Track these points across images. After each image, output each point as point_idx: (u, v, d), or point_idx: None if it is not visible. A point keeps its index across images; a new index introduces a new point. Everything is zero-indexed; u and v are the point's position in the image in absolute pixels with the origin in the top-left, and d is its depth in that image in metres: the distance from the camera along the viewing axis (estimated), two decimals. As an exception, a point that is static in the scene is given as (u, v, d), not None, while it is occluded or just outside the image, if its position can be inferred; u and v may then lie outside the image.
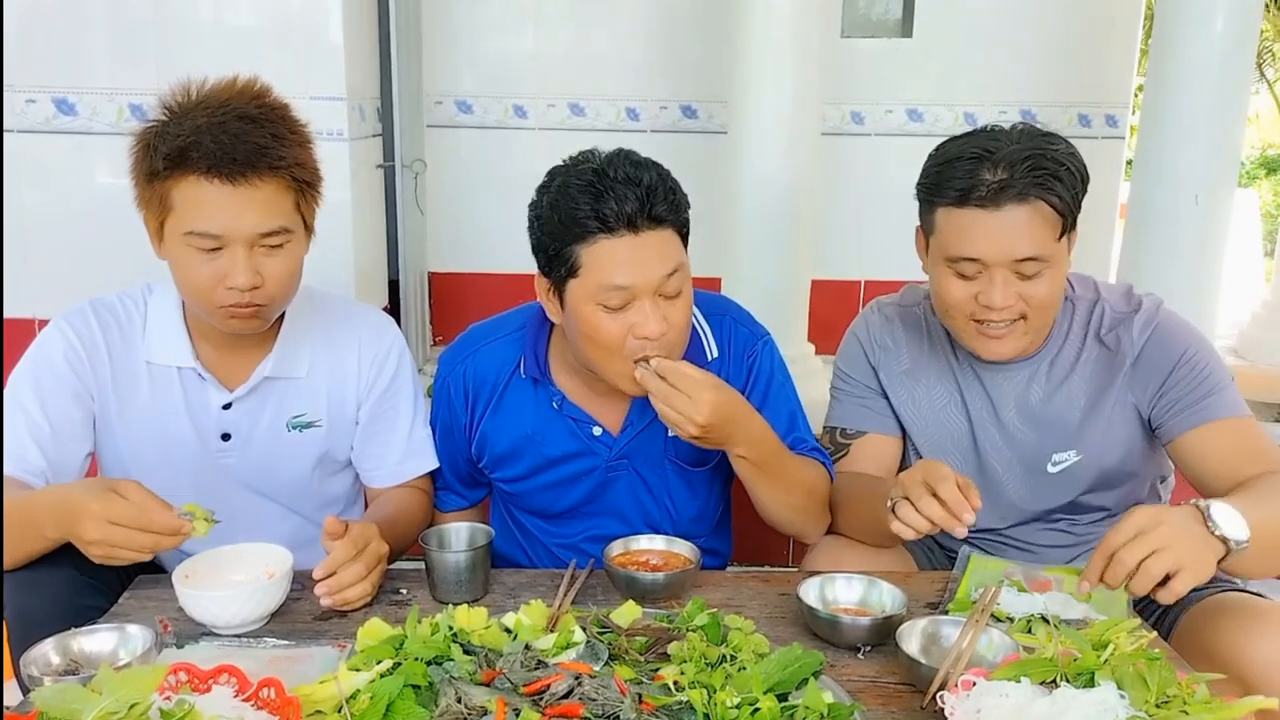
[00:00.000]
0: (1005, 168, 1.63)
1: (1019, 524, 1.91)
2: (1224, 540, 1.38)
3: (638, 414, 1.86)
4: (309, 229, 1.75)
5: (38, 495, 1.56)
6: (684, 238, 1.72)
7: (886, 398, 1.95)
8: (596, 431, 1.87)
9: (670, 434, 1.82)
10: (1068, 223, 1.67)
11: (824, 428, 2.00)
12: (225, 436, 1.82)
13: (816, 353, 3.26)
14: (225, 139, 1.57)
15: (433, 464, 1.97)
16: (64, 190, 3.20)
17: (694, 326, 1.85)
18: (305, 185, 1.69)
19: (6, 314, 3.08)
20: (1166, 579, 1.32)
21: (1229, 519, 1.38)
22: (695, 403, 1.62)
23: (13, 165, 3.10)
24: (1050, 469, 1.85)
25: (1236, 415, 1.72)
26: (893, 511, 1.51)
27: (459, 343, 1.96)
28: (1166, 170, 3.16)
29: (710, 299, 1.96)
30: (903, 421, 1.94)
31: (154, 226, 1.66)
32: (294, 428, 1.85)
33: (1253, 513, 1.42)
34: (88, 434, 1.78)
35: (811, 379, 3.00)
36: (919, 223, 1.80)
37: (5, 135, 3.08)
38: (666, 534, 1.76)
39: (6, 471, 1.66)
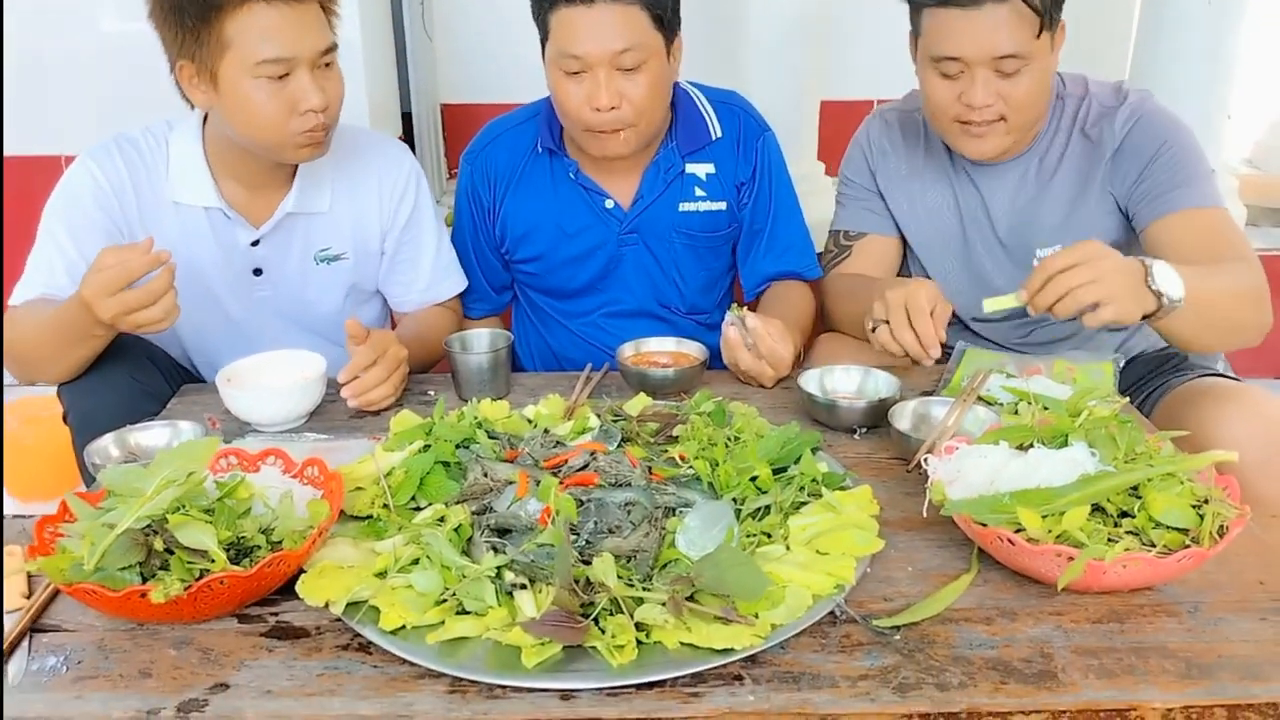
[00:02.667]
0: None
1: (1008, 320, 1.99)
2: (1158, 295, 1.44)
3: (647, 188, 1.99)
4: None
5: (65, 305, 1.59)
6: (659, 19, 1.78)
7: (884, 200, 2.01)
8: (609, 204, 1.99)
9: (680, 209, 1.99)
10: (1045, 20, 1.68)
11: (830, 231, 2.08)
12: (257, 272, 1.89)
13: (826, 173, 3.28)
14: None
15: (460, 285, 2.06)
16: (78, 29, 3.19)
17: (697, 108, 1.99)
18: (332, 3, 1.72)
19: (32, 151, 3.15)
20: (1095, 307, 1.40)
21: (1168, 277, 1.44)
22: (780, 368, 1.73)
23: (27, 4, 3.09)
24: (1034, 264, 1.89)
25: (1209, 206, 1.74)
26: (873, 332, 1.60)
27: (478, 137, 2.07)
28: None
29: (718, 90, 2.07)
30: (899, 223, 2.01)
31: (202, 76, 1.65)
32: (321, 261, 1.92)
33: (1196, 281, 1.47)
34: None
35: (819, 197, 3.03)
36: (910, 26, 1.82)
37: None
38: (675, 307, 1.88)
39: (41, 293, 1.72)
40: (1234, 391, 1.67)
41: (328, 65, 1.70)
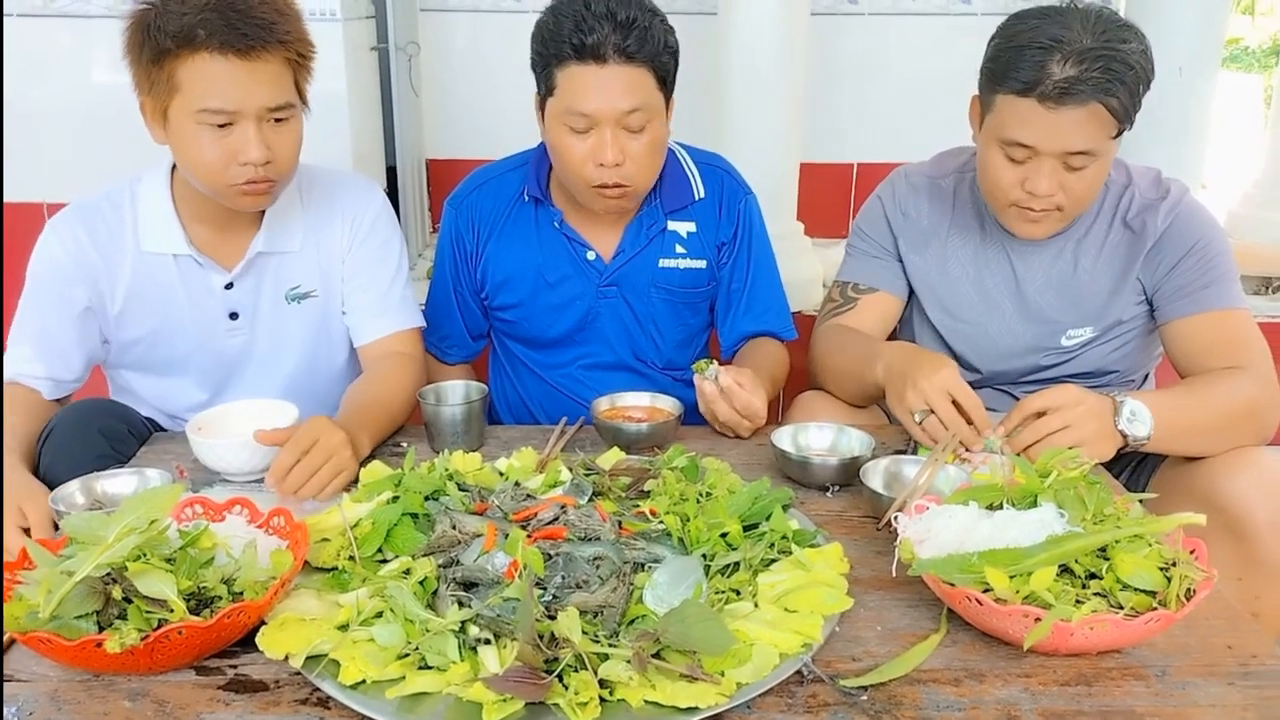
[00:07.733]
0: (1074, 64, 1.61)
1: (1016, 383, 2.01)
2: (1123, 435, 1.56)
3: (629, 242, 2.01)
4: (305, 104, 1.77)
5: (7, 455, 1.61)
6: (663, 80, 1.81)
7: (901, 262, 2.01)
8: (590, 256, 2.01)
9: (660, 264, 2.01)
10: (1125, 126, 1.68)
11: (835, 281, 2.08)
12: (233, 316, 1.88)
13: (806, 234, 3.32)
14: (233, 16, 1.59)
15: (414, 322, 2.00)
16: (65, 78, 3.22)
17: (682, 168, 2.03)
18: (302, 60, 1.72)
19: (16, 199, 3.16)
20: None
21: (1137, 417, 1.56)
22: (755, 419, 1.76)
23: (16, 53, 3.12)
24: (1065, 341, 1.93)
25: (1228, 307, 1.78)
26: (919, 425, 1.59)
27: (464, 183, 2.09)
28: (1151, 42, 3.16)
29: (703, 151, 2.11)
30: (913, 285, 2.02)
31: (156, 111, 1.67)
32: (292, 299, 1.92)
33: (1175, 415, 1.59)
34: (93, 337, 1.84)
35: (799, 256, 3.08)
36: (977, 93, 1.80)
37: (7, 20, 3.11)
38: (652, 362, 1.89)
39: (12, 377, 1.77)
40: (1243, 451, 1.66)
41: (279, 120, 1.68)
